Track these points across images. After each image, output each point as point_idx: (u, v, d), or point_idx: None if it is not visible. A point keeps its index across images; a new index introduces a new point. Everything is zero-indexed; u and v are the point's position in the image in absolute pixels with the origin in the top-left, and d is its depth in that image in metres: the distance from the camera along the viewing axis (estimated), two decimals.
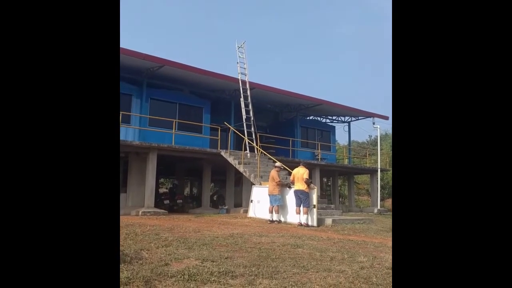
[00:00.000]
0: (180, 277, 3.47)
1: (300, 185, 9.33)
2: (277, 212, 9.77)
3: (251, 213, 11.07)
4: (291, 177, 9.76)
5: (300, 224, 9.04)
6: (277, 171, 10.12)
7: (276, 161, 12.67)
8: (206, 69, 14.42)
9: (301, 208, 9.20)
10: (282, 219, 9.80)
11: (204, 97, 16.19)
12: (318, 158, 18.44)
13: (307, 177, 9.34)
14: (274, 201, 9.79)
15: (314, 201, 9.32)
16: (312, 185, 9.62)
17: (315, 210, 9.27)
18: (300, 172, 9.42)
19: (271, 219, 9.70)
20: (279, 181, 9.95)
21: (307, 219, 9.10)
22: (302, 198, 9.22)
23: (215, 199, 17.84)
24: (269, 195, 9.96)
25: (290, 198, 9.80)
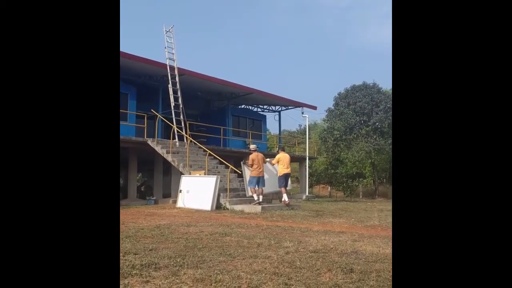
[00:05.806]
0: None
1: (287, 169, 10.39)
2: (261, 193, 10.15)
3: (180, 203, 10.83)
4: (274, 161, 10.65)
5: (288, 204, 10.22)
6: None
7: (207, 150, 12.52)
8: (131, 53, 13.62)
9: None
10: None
11: (129, 83, 15.29)
12: (249, 147, 18.60)
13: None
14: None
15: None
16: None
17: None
18: (288, 157, 10.49)
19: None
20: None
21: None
22: (286, 180, 10.41)
23: (142, 190, 17.19)
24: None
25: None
